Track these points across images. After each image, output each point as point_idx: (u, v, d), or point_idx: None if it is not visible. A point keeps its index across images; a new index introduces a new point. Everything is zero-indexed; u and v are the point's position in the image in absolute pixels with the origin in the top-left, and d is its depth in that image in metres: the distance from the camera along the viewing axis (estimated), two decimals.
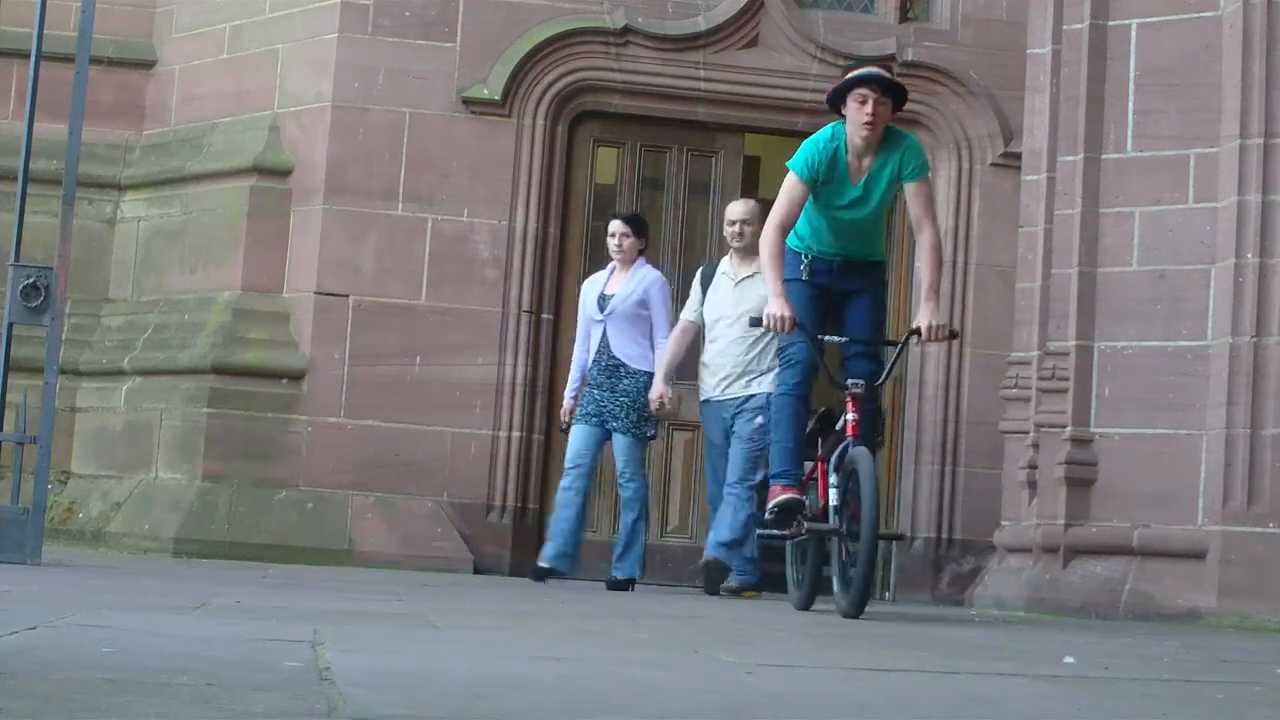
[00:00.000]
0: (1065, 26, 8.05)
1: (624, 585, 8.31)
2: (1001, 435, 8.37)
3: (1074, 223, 7.92)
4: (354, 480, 9.22)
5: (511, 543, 9.27)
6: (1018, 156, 8.86)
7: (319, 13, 9.57)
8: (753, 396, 8.03)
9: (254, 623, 4.55)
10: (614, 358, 8.35)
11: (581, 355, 8.51)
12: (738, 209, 8.44)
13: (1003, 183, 9.44)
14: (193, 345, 9.51)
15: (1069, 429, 7.82)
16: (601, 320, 8.41)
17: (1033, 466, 8.01)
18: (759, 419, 7.87)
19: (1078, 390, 7.83)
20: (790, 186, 6.58)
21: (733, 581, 8.04)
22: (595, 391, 8.36)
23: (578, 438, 8.35)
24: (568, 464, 8.36)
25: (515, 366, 9.33)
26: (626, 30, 9.53)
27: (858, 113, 6.49)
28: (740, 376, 8.14)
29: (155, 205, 10.13)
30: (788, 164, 6.60)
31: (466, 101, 9.41)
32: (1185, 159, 7.72)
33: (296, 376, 9.31)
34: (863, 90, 6.51)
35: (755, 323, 6.72)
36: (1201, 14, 7.72)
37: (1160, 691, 3.87)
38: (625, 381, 8.33)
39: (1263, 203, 7.38)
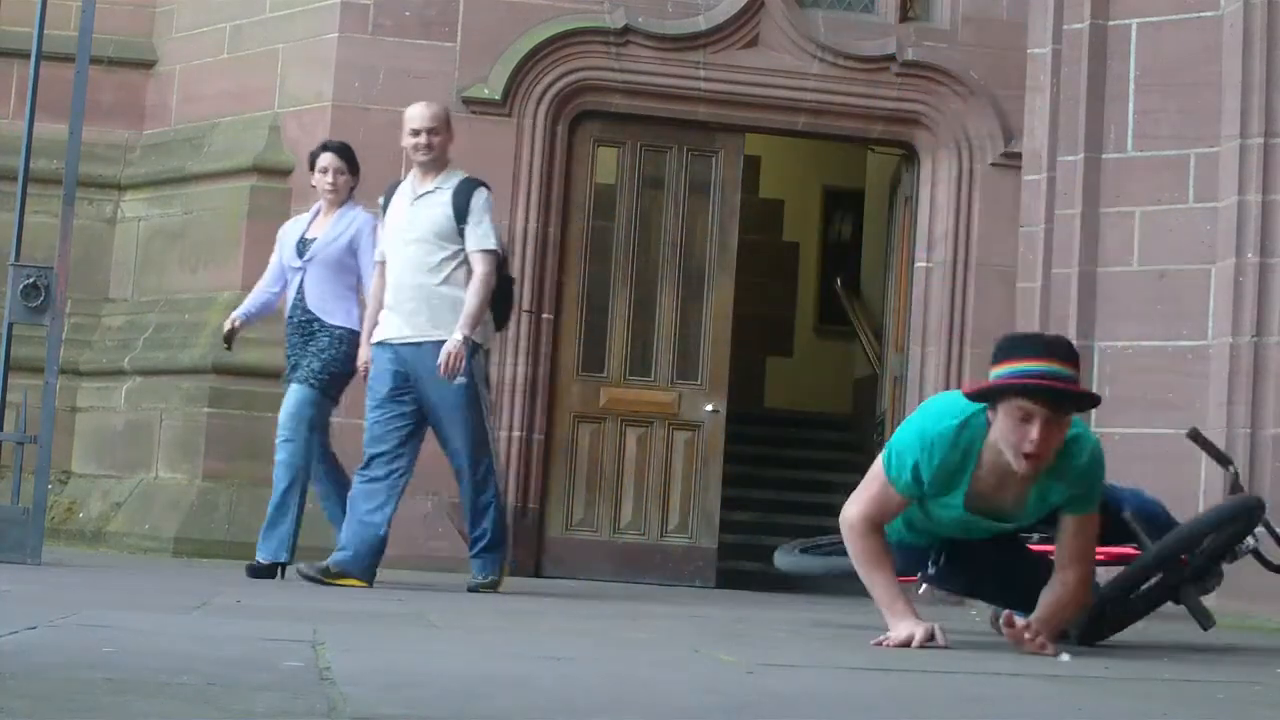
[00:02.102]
0: (1065, 26, 8.05)
1: (266, 572, 7.11)
2: None
3: (1074, 223, 7.92)
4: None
5: (512, 542, 9.26)
6: (1018, 156, 8.86)
7: (319, 12, 9.57)
8: (441, 343, 6.79)
9: (254, 623, 4.55)
10: (309, 312, 7.32)
11: (262, 293, 7.52)
12: (420, 114, 7.12)
13: (1003, 183, 9.43)
14: (193, 345, 9.51)
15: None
16: (300, 267, 7.35)
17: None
18: (460, 379, 6.75)
19: None
20: (884, 488, 4.74)
21: (482, 577, 7.03)
22: (291, 352, 7.43)
23: (285, 402, 7.43)
24: (278, 436, 7.46)
25: (515, 366, 9.32)
26: (627, 30, 9.53)
27: (1016, 431, 4.46)
28: (421, 313, 6.87)
29: (155, 205, 10.13)
30: (884, 464, 4.72)
31: (467, 101, 9.41)
32: (1185, 159, 7.73)
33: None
34: (1027, 404, 4.45)
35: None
36: (1202, 14, 7.72)
37: (1160, 691, 3.87)
38: (319, 338, 7.31)
39: (1263, 203, 7.38)
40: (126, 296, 10.16)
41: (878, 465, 4.74)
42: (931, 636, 4.59)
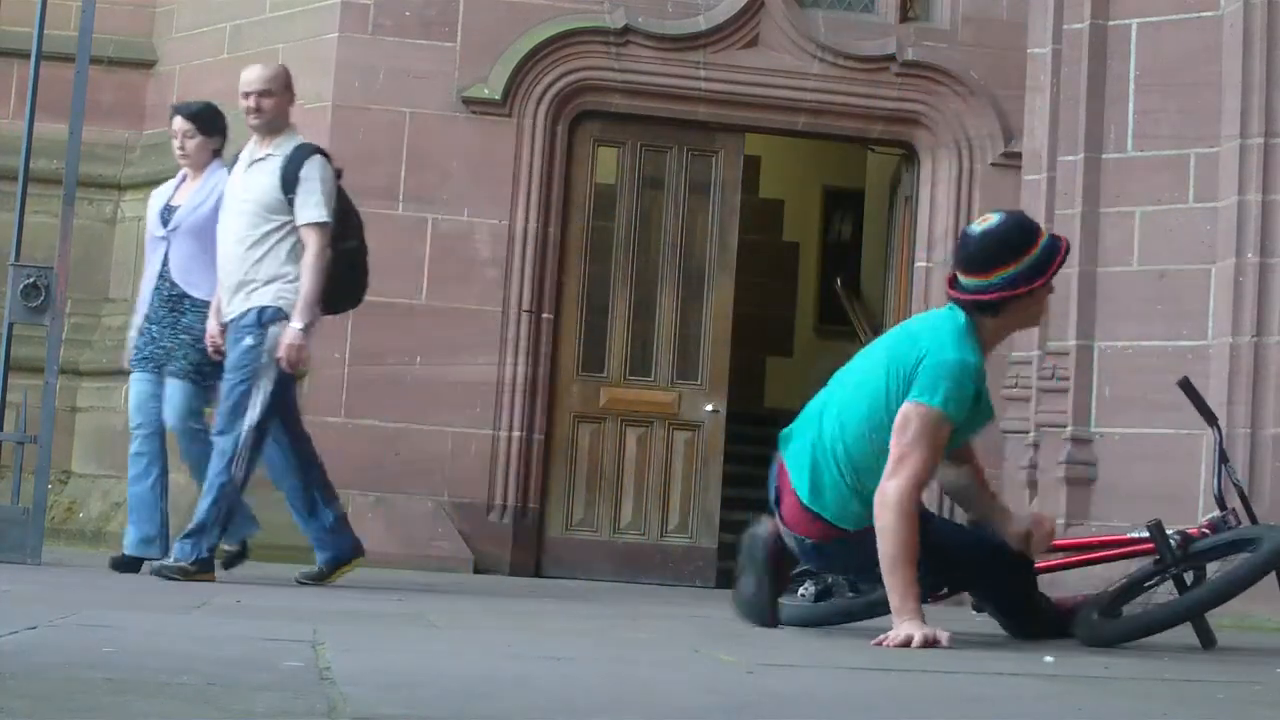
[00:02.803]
0: (1065, 26, 8.05)
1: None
2: (1002, 435, 8.37)
3: (1074, 223, 7.92)
4: (354, 480, 9.20)
5: (512, 542, 9.27)
6: (1018, 156, 8.86)
7: (319, 12, 9.57)
8: (248, 312, 6.49)
9: (254, 623, 4.55)
10: (176, 286, 6.92)
11: (148, 281, 7.06)
12: (248, 76, 6.75)
13: (1003, 183, 9.43)
14: None
15: (1069, 429, 7.82)
16: (164, 237, 6.97)
17: (1033, 466, 8.01)
18: (247, 339, 6.44)
19: (1078, 390, 7.83)
20: (938, 438, 4.82)
21: (182, 560, 6.39)
22: (154, 329, 6.93)
23: (134, 391, 6.97)
24: (130, 425, 7.02)
25: (515, 366, 9.32)
26: (627, 30, 9.52)
27: (1039, 309, 5.11)
28: (240, 288, 6.54)
29: None
30: (929, 401, 4.79)
31: (467, 101, 9.41)
32: (1185, 159, 7.72)
33: (297, 376, 9.29)
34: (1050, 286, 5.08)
35: None
36: (1201, 14, 7.72)
37: (1160, 691, 3.86)
38: (189, 316, 6.89)
39: (1263, 203, 7.38)
40: (126, 296, 10.15)
41: (917, 426, 4.75)
42: (933, 642, 4.59)
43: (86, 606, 4.76)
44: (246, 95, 6.65)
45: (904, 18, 9.82)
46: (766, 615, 5.22)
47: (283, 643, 3.83)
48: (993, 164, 9.63)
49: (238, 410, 6.44)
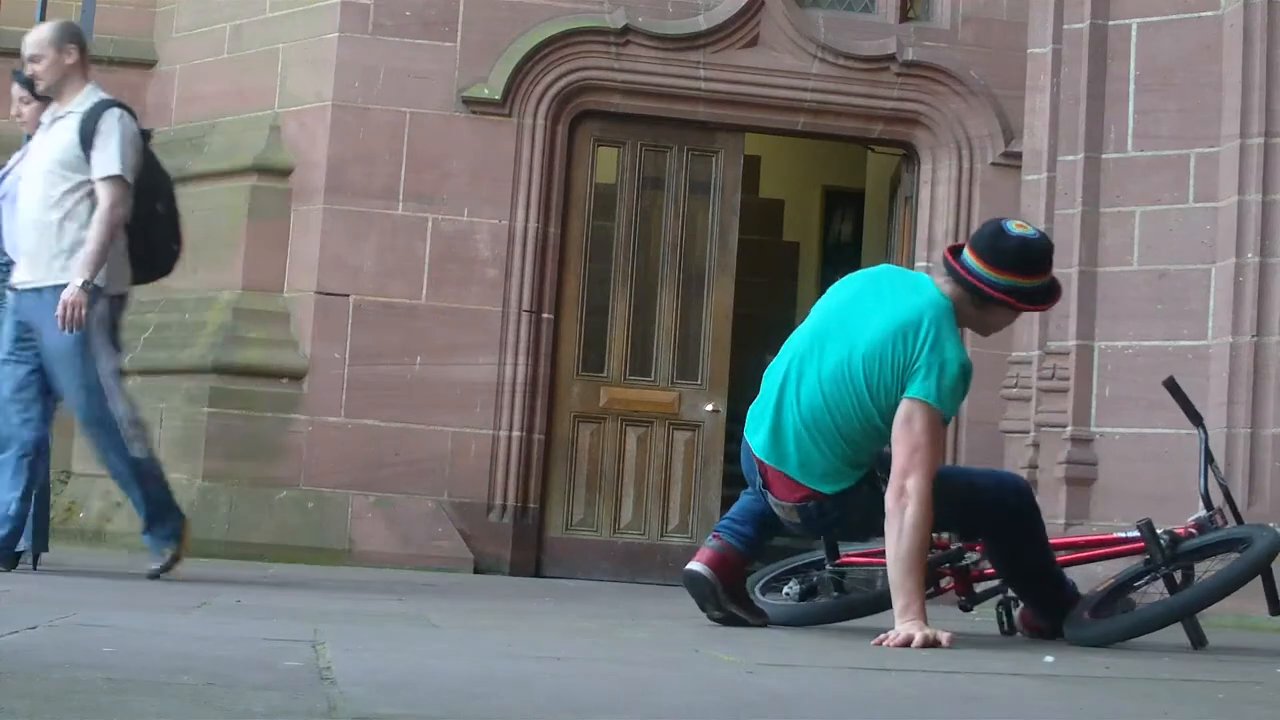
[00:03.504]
0: (1065, 26, 8.05)
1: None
2: (1002, 435, 8.37)
3: (1074, 222, 7.92)
4: (354, 480, 9.22)
5: (512, 542, 9.27)
6: (1018, 156, 8.86)
7: (319, 12, 9.57)
8: (61, 287, 6.10)
9: (254, 623, 4.55)
10: (4, 254, 6.54)
11: None
12: (26, 42, 6.44)
13: (1003, 182, 9.43)
14: (193, 344, 9.52)
15: (1069, 429, 7.82)
16: None
17: (1033, 466, 8.01)
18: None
19: (1078, 390, 7.84)
20: (941, 431, 4.98)
21: (161, 558, 6.24)
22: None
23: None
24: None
25: (515, 366, 9.33)
26: (627, 30, 9.53)
27: (1002, 321, 5.27)
28: (42, 257, 6.20)
29: None
30: (936, 404, 4.88)
31: (467, 101, 9.41)
32: (1185, 158, 7.72)
33: (297, 376, 9.31)
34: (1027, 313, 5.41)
35: None
36: (1201, 14, 7.72)
37: (1160, 691, 3.87)
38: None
39: (1263, 202, 7.38)
40: None
41: (924, 423, 4.81)
42: (934, 643, 4.60)
43: (86, 606, 4.76)
44: (29, 60, 6.38)
45: (904, 18, 9.82)
46: (753, 620, 5.35)
47: (283, 643, 3.83)
48: (993, 164, 9.63)
49: (92, 396, 6.14)
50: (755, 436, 5.21)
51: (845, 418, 5.00)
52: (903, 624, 4.72)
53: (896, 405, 4.90)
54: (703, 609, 5.35)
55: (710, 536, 5.41)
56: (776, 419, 5.12)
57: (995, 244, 5.06)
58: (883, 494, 4.89)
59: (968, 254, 5.08)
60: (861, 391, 4.97)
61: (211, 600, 5.34)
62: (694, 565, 5.30)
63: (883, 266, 5.48)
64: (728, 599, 5.29)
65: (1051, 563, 5.39)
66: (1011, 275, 5.03)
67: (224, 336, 9.42)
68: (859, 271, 5.44)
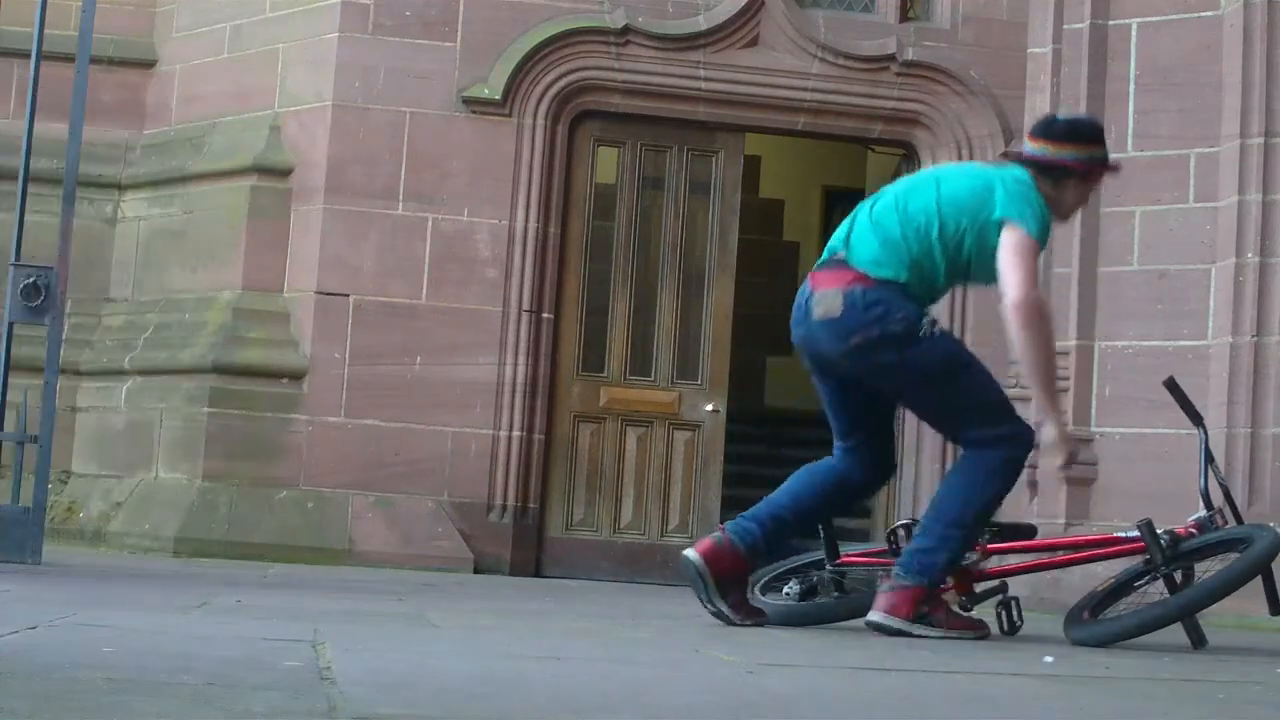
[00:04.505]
0: (1065, 26, 8.05)
1: None
2: None
3: (1074, 222, 7.90)
4: (354, 480, 9.22)
5: (512, 542, 9.27)
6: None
7: (319, 12, 9.57)
8: None
9: (254, 622, 4.55)
10: None
11: None
12: None
13: None
14: (193, 345, 9.52)
15: (1069, 428, 7.82)
16: None
17: (1033, 466, 7.99)
18: None
19: (1078, 390, 7.83)
20: (1034, 248, 5.33)
21: None
22: None
23: None
24: None
25: (515, 366, 9.33)
26: (627, 30, 9.53)
27: (1084, 194, 5.59)
28: None
29: (156, 205, 10.13)
30: (1026, 228, 5.27)
31: (467, 101, 9.41)
32: (1185, 158, 7.72)
33: (297, 376, 9.31)
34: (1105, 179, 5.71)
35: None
36: (1201, 13, 7.72)
37: (1160, 691, 3.87)
38: None
39: (1263, 202, 7.38)
40: (126, 296, 10.16)
41: (1021, 239, 5.21)
42: (1075, 458, 5.35)
43: (86, 606, 4.76)
44: None
45: (904, 18, 9.82)
46: (737, 619, 5.32)
47: (283, 643, 3.83)
48: None
49: None
50: (821, 262, 5.42)
51: (914, 231, 5.28)
52: (1050, 422, 5.29)
53: (962, 242, 5.28)
54: (699, 599, 5.35)
55: (716, 528, 5.45)
56: (839, 233, 5.40)
57: (1045, 123, 5.58)
58: (921, 331, 5.20)
59: (1028, 143, 5.52)
60: (933, 218, 5.29)
61: (211, 600, 5.34)
62: (688, 550, 5.37)
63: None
64: (715, 592, 5.29)
65: (969, 526, 5.30)
66: (1068, 146, 5.44)
67: (224, 336, 9.42)
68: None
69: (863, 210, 5.45)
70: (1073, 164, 5.43)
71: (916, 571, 5.20)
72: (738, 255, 9.87)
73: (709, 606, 5.32)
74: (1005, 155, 5.61)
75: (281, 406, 9.29)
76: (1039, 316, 5.23)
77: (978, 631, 5.24)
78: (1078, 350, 7.82)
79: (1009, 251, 5.23)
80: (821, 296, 5.28)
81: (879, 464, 5.56)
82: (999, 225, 5.25)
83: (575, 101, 9.61)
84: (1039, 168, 5.40)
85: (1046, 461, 5.14)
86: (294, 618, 4.78)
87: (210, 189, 9.83)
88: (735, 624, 5.29)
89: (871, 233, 5.32)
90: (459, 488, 9.25)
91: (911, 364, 5.23)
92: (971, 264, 5.34)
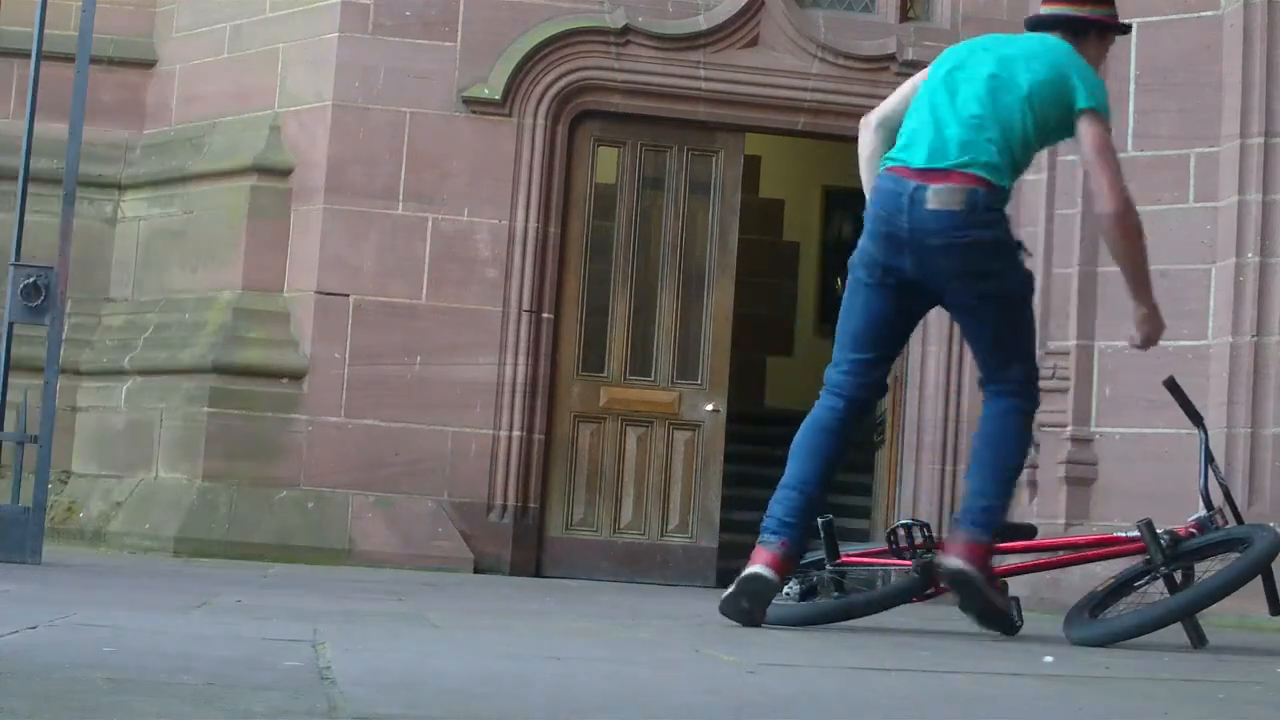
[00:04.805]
0: None
1: None
2: None
3: (1074, 222, 7.92)
4: (354, 480, 9.22)
5: (512, 542, 9.27)
6: None
7: (319, 12, 9.57)
8: None
9: (254, 622, 4.55)
10: None
11: None
12: None
13: None
14: (193, 345, 9.52)
15: (1069, 428, 7.83)
16: None
17: (1033, 466, 8.01)
18: None
19: (1078, 390, 7.84)
20: (1110, 137, 5.46)
21: None
22: None
23: None
24: None
25: (515, 366, 9.33)
26: (627, 30, 9.53)
27: (1102, 53, 5.73)
28: None
29: (156, 205, 10.13)
30: (1097, 108, 5.37)
31: (467, 101, 9.41)
32: (1185, 158, 7.72)
33: (297, 376, 9.31)
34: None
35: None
36: (1202, 14, 7.72)
37: (1160, 691, 3.86)
38: None
39: (1263, 202, 7.38)
40: (126, 296, 10.16)
41: (1103, 134, 5.31)
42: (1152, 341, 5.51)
43: (86, 606, 4.76)
44: None
45: (904, 18, 9.82)
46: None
47: (283, 643, 3.83)
48: None
49: None
50: (913, 154, 5.31)
51: (1018, 137, 5.29)
52: (1148, 309, 5.45)
53: (1048, 139, 5.42)
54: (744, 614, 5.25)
55: (768, 535, 5.35)
56: (936, 132, 5.31)
57: None
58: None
59: (1044, 7, 5.60)
60: (1030, 120, 5.29)
61: (211, 600, 5.34)
62: (760, 568, 5.24)
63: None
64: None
65: (1014, 482, 5.40)
66: (1091, 5, 5.56)
67: (224, 336, 9.42)
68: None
69: (944, 106, 5.34)
70: (1095, 18, 5.55)
71: (984, 526, 5.22)
72: (738, 255, 9.87)
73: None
74: (1027, 24, 5.72)
75: (281, 406, 9.29)
76: (1137, 219, 5.34)
77: (1010, 617, 5.31)
78: (1078, 350, 7.82)
79: (1098, 151, 5.31)
80: (939, 190, 5.22)
81: (880, 383, 5.53)
82: (1079, 114, 5.31)
83: (575, 101, 9.61)
84: (1062, 26, 5.50)
85: (1130, 335, 5.48)
86: (294, 618, 4.78)
87: (210, 189, 9.83)
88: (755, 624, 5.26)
89: (978, 134, 5.27)
90: (459, 488, 9.25)
91: (1006, 278, 5.30)
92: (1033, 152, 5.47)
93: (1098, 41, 5.60)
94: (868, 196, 5.41)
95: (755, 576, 5.22)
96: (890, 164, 5.36)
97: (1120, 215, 5.29)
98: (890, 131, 5.51)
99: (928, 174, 5.26)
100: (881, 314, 5.37)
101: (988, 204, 5.24)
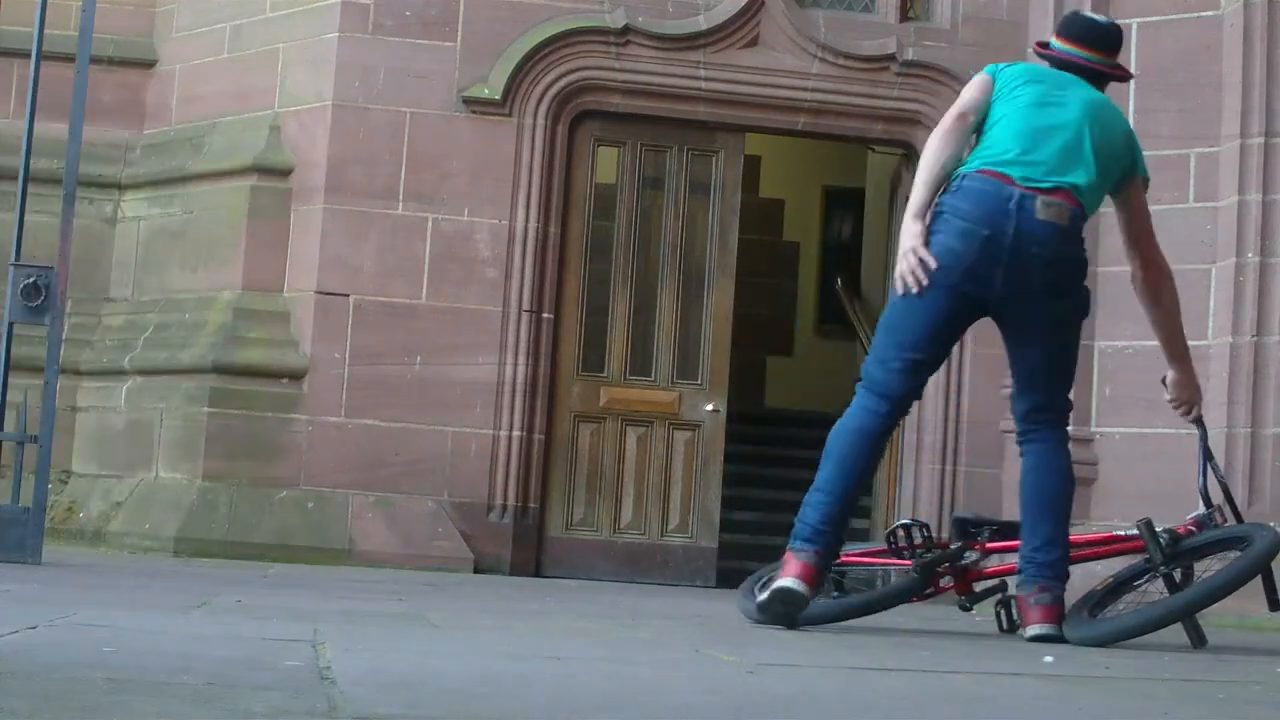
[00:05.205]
0: None
1: None
2: (1001, 435, 8.37)
3: None
4: (354, 480, 9.22)
5: (512, 542, 9.27)
6: None
7: (319, 12, 9.57)
8: None
9: (254, 622, 4.55)
10: None
11: None
12: None
13: None
14: (193, 344, 9.52)
15: (1069, 429, 7.81)
16: None
17: None
18: None
19: (1078, 390, 7.79)
20: None
21: None
22: None
23: None
24: None
25: (515, 366, 9.33)
26: (627, 29, 9.53)
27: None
28: None
29: (156, 205, 10.13)
30: (1148, 179, 5.70)
31: (467, 101, 9.41)
32: (1185, 158, 7.73)
33: (297, 376, 9.31)
34: None
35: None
36: (1202, 13, 7.73)
37: (1160, 691, 3.86)
38: None
39: (1263, 202, 7.38)
40: (126, 296, 10.16)
41: (1144, 198, 5.61)
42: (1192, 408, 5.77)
43: (86, 606, 4.76)
44: None
45: (904, 18, 9.82)
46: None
47: (283, 643, 3.83)
48: None
49: None
50: (1014, 164, 5.30)
51: (1098, 173, 5.40)
52: (1186, 372, 5.75)
53: (1108, 176, 5.45)
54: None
55: (801, 542, 5.25)
56: (1040, 148, 5.35)
57: (1093, 26, 5.72)
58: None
59: (1076, 49, 5.60)
60: (1108, 161, 5.43)
61: (211, 600, 5.34)
62: (790, 582, 5.18)
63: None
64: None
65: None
66: (1107, 54, 5.62)
67: (224, 336, 9.42)
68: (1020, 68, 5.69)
69: (1044, 128, 5.37)
70: (1115, 72, 5.66)
71: (1062, 579, 5.34)
72: (738, 255, 9.87)
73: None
74: (1049, 54, 5.64)
75: (281, 406, 9.29)
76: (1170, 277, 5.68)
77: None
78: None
79: (1149, 218, 5.61)
80: (1050, 202, 5.26)
81: (923, 388, 5.53)
82: (1136, 179, 5.52)
83: (575, 101, 9.61)
84: (1087, 73, 5.56)
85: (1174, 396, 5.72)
86: (294, 618, 4.78)
87: (210, 189, 9.83)
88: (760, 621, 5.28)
89: (1075, 159, 5.35)
90: (459, 488, 9.25)
91: (1080, 301, 5.46)
92: None
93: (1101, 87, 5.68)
94: (929, 192, 5.33)
95: (788, 592, 5.16)
96: (986, 167, 5.30)
97: (1171, 276, 5.62)
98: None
99: (1033, 185, 5.27)
100: (946, 317, 5.32)
101: (1079, 227, 5.34)
